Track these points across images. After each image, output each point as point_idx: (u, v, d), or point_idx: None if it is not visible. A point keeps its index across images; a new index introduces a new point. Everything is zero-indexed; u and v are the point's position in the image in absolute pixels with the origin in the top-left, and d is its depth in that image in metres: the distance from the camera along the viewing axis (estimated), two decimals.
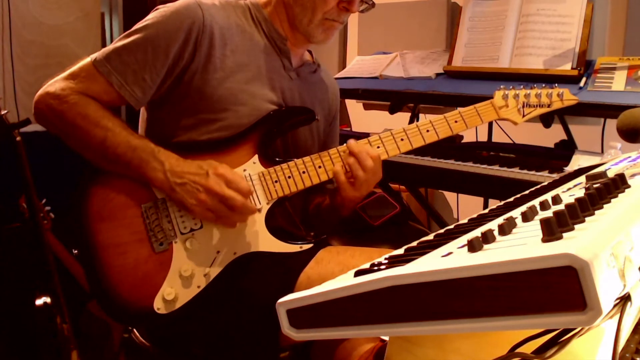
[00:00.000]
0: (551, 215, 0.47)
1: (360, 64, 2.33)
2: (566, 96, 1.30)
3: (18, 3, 2.50)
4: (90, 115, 1.12)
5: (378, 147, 1.22)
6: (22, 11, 2.54)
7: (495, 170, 1.68)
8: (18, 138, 1.88)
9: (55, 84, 1.15)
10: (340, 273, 0.63)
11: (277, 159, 1.21)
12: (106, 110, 1.15)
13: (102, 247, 1.11)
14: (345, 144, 1.23)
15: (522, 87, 1.30)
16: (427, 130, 1.23)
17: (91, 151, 1.14)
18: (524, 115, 1.28)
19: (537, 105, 1.29)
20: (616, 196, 0.60)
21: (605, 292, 0.39)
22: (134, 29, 1.17)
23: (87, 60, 1.16)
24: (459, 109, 1.27)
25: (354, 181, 1.18)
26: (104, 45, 1.19)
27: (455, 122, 1.24)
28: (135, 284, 1.11)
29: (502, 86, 1.29)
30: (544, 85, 1.31)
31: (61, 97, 1.13)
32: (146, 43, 1.14)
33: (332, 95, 1.46)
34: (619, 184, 0.64)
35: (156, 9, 1.18)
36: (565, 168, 1.58)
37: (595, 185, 0.60)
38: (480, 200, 2.35)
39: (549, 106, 1.29)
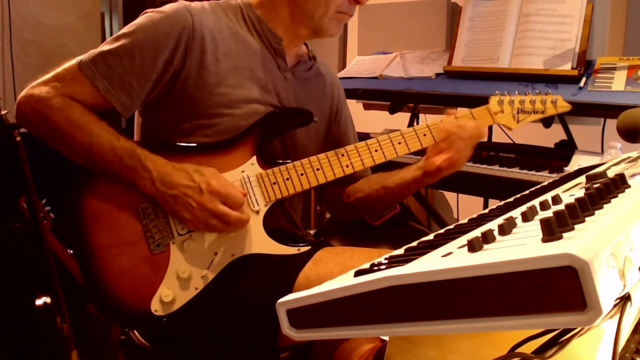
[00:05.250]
0: (551, 215, 0.47)
1: (360, 64, 2.33)
2: (560, 103, 1.31)
3: (18, 3, 2.50)
4: (75, 119, 1.10)
5: (376, 151, 1.23)
6: (22, 11, 2.54)
7: (495, 170, 1.68)
8: (18, 138, 1.88)
9: (39, 86, 1.12)
10: (339, 273, 0.62)
11: (277, 161, 1.20)
12: (92, 115, 1.12)
13: (98, 248, 1.10)
14: (350, 145, 1.23)
15: (517, 92, 1.31)
16: (424, 135, 1.24)
17: (78, 156, 1.12)
18: (518, 121, 1.30)
19: (531, 112, 1.30)
20: (616, 196, 0.60)
21: (605, 292, 0.39)
22: (122, 32, 1.15)
23: (73, 62, 1.14)
24: (456, 114, 1.28)
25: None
26: None
27: None
28: (132, 286, 1.11)
29: (497, 92, 1.31)
30: (538, 91, 1.32)
31: (45, 100, 1.10)
32: (134, 48, 1.13)
33: (331, 87, 1.44)
34: (619, 184, 0.64)
35: (144, 13, 1.17)
36: (565, 168, 1.58)
37: (595, 185, 0.60)
38: (480, 200, 2.36)
39: (542, 112, 1.31)
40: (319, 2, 1.21)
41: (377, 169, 1.35)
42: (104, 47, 1.14)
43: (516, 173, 1.64)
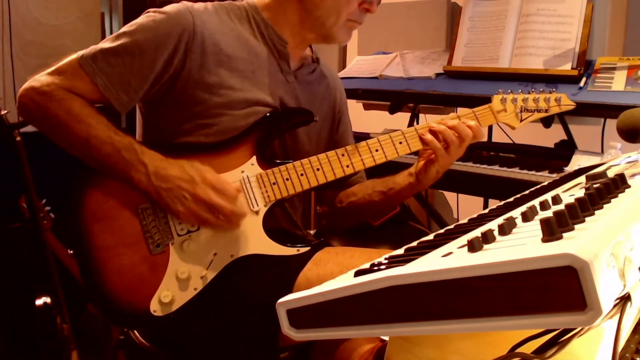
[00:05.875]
0: (551, 215, 0.47)
1: (360, 64, 2.33)
2: (564, 101, 1.30)
3: (18, 3, 2.50)
4: (74, 112, 1.11)
5: (377, 151, 1.22)
6: (22, 11, 2.54)
7: (495, 170, 1.68)
8: (18, 138, 1.88)
9: (40, 79, 1.13)
10: (339, 274, 0.62)
11: (277, 161, 1.20)
12: (91, 108, 1.13)
13: (97, 249, 1.10)
14: (351, 145, 1.23)
15: (520, 91, 1.30)
16: (424, 135, 1.24)
17: (76, 149, 1.13)
18: (521, 120, 1.29)
19: (534, 110, 1.30)
20: (616, 196, 0.60)
21: (605, 292, 0.39)
22: (123, 31, 1.15)
23: (74, 57, 1.14)
24: (458, 113, 1.27)
25: (449, 147, 1.21)
26: None
27: None
28: (131, 286, 1.11)
29: (500, 90, 1.30)
30: (542, 89, 1.31)
31: (46, 92, 1.11)
32: (134, 47, 1.13)
33: (333, 89, 1.44)
34: (619, 184, 0.64)
35: (146, 13, 1.17)
36: (565, 168, 1.58)
37: (595, 185, 0.60)
38: (480, 200, 2.36)
39: (546, 111, 1.30)
40: (331, 10, 1.21)
41: (376, 170, 1.35)
42: (105, 44, 1.15)
43: (516, 173, 1.64)
